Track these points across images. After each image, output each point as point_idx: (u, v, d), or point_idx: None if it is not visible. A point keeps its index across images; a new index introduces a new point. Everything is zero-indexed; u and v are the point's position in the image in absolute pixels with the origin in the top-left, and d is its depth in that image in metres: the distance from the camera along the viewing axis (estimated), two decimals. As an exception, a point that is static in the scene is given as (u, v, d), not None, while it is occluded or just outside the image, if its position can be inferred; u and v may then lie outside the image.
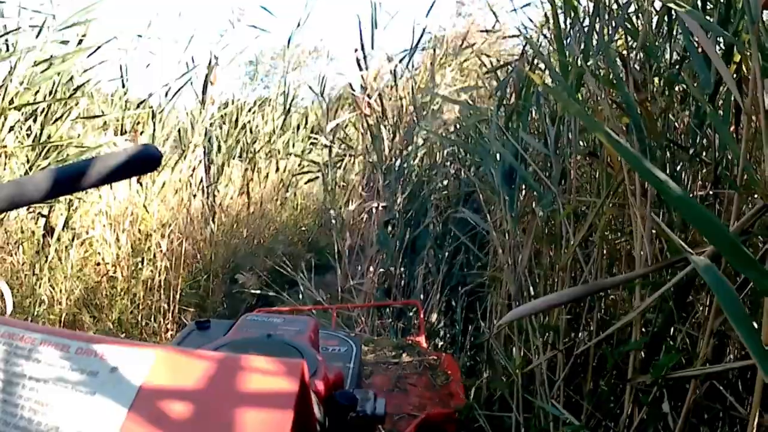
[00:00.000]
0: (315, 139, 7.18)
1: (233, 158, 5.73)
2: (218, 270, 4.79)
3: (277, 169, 6.49)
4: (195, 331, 1.17)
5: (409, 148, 4.02)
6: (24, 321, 0.53)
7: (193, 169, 4.55)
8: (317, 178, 6.42)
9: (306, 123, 7.05)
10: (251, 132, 6.16)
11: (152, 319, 4.00)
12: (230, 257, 5.08)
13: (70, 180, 0.67)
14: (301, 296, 4.27)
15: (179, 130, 4.58)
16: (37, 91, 3.46)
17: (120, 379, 0.46)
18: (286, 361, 0.50)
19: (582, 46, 1.83)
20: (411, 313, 3.54)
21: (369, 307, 3.45)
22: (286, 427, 0.44)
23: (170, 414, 0.45)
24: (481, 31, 4.48)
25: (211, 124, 5.17)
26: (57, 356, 0.48)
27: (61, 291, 3.57)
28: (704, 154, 1.71)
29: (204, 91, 4.87)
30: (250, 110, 6.16)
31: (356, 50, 3.95)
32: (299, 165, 6.71)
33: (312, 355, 0.82)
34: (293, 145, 6.78)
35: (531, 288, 2.14)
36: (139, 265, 4.16)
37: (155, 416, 0.44)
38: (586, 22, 1.95)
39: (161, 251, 4.18)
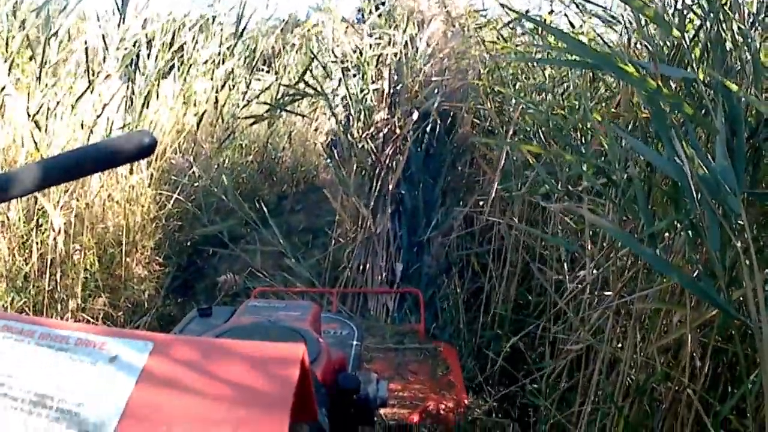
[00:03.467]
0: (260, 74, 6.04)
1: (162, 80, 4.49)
2: (137, 237, 3.72)
3: (216, 101, 5.33)
4: (197, 318, 1.13)
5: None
6: (22, 314, 0.55)
7: (104, 106, 3.37)
8: (264, 119, 5.40)
9: (255, 52, 5.85)
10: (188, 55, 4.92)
11: (44, 311, 2.97)
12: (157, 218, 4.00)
13: (65, 169, 0.66)
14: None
15: (86, 52, 3.35)
16: None
17: (119, 368, 0.46)
18: (286, 345, 0.50)
19: None
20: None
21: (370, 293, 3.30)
22: (286, 412, 0.44)
23: (170, 401, 0.45)
24: None
25: (134, 45, 3.92)
26: (56, 347, 0.47)
27: None
28: None
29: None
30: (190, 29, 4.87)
31: None
32: (243, 97, 5.60)
33: (314, 340, 0.81)
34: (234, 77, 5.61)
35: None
36: (31, 234, 3.07)
37: (155, 404, 0.44)
38: None
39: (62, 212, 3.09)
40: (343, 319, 1.44)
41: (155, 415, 0.44)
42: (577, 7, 2.31)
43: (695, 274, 1.33)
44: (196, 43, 4.85)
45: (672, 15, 1.51)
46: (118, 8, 3.48)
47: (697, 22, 1.55)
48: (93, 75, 3.27)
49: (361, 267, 3.35)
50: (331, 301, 2.81)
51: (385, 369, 1.98)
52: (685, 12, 1.52)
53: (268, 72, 6.22)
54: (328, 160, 4.62)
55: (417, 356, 2.12)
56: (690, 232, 1.29)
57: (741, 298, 1.31)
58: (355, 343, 1.27)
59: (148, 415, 0.43)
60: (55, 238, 3.04)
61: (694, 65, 1.39)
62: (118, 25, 3.52)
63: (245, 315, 1.02)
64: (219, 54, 5.14)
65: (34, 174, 0.65)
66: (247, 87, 5.67)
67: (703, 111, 1.32)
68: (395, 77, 3.57)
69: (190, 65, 4.77)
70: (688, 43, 1.41)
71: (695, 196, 1.18)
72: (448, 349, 2.21)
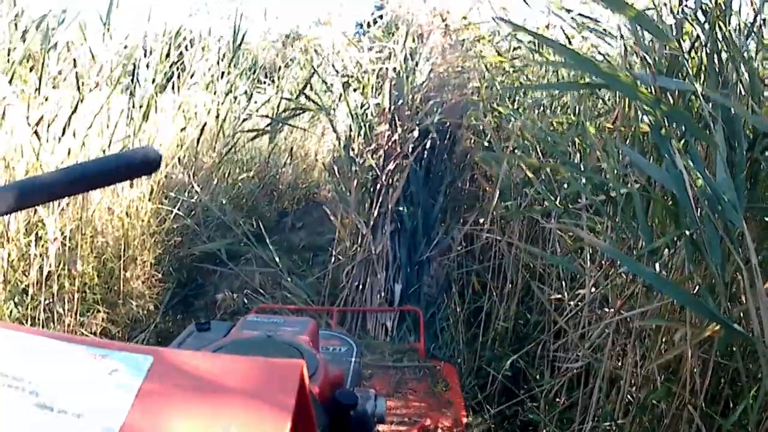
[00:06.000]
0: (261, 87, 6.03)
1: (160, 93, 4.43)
2: (136, 252, 3.69)
3: (217, 114, 5.31)
4: (195, 333, 1.13)
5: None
6: (24, 325, 0.54)
7: (95, 116, 3.34)
8: (265, 133, 5.39)
9: (255, 65, 5.85)
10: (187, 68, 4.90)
11: (41, 325, 2.93)
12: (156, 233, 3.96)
13: (68, 183, 0.66)
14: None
15: (74, 63, 3.34)
16: None
17: (119, 381, 0.46)
18: (285, 361, 0.50)
19: None
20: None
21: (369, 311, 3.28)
22: (285, 428, 0.44)
23: (169, 415, 0.44)
24: None
25: (128, 56, 3.91)
26: (57, 360, 0.48)
27: None
28: None
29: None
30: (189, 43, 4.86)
31: None
32: (245, 110, 5.58)
33: (312, 356, 0.81)
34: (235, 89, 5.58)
35: None
36: (32, 247, 3.04)
37: (154, 417, 0.44)
38: None
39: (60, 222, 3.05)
40: (342, 335, 1.43)
41: (154, 428, 0.44)
42: (574, 21, 2.29)
43: (695, 291, 1.30)
44: (194, 55, 4.84)
45: (669, 26, 1.50)
46: (101, 19, 3.49)
47: (694, 33, 1.54)
48: (83, 86, 3.26)
49: (360, 286, 3.32)
50: (329, 322, 2.78)
51: (384, 387, 1.98)
52: (682, 21, 1.50)
53: (269, 86, 6.22)
54: (329, 176, 4.61)
55: (416, 374, 2.12)
56: (690, 247, 1.27)
57: (741, 314, 1.28)
58: (353, 359, 1.26)
59: (146, 427, 0.43)
60: (47, 255, 3.00)
61: (692, 77, 1.38)
62: (103, 35, 3.51)
63: (243, 330, 1.02)
64: (218, 67, 5.12)
65: (37, 187, 0.65)
66: (248, 100, 5.65)
67: (702, 124, 1.30)
68: (395, 93, 3.56)
69: (190, 76, 4.75)
70: (685, 54, 1.40)
71: (695, 210, 1.16)
72: (448, 367, 2.21)
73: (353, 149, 3.62)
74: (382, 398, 0.85)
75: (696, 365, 1.40)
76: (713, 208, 1.10)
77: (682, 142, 1.30)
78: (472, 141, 3.55)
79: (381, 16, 4.23)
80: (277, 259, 3.64)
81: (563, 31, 2.55)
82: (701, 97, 1.18)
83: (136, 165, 0.69)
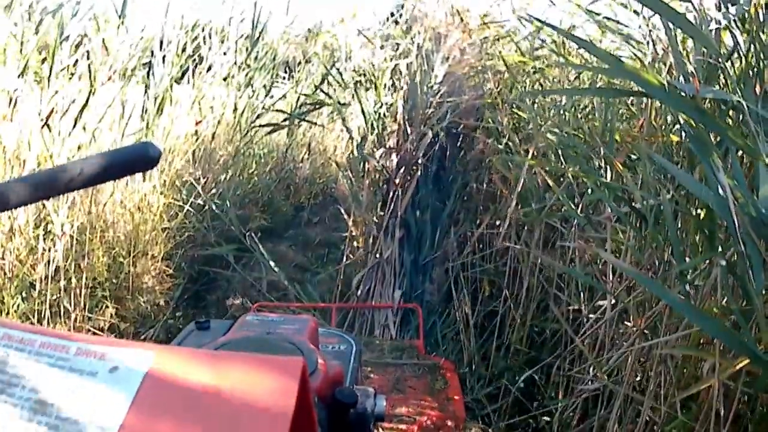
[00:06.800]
0: (281, 81, 5.97)
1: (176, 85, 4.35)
2: (147, 246, 3.64)
3: (235, 109, 5.24)
4: (195, 331, 1.12)
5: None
6: (23, 323, 0.54)
7: (107, 107, 3.29)
8: (282, 128, 5.34)
9: (274, 59, 5.78)
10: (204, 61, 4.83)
11: (47, 322, 2.89)
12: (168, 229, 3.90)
13: (69, 178, 0.66)
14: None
15: (88, 55, 3.30)
16: None
17: (120, 379, 0.46)
18: (286, 359, 0.50)
19: None
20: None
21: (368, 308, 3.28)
22: (285, 426, 0.43)
23: (170, 413, 0.44)
24: None
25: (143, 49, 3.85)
26: (56, 357, 0.47)
27: None
28: None
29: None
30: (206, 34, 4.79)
31: None
32: (262, 105, 5.51)
33: (312, 354, 0.82)
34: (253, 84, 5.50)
35: None
36: (40, 241, 2.99)
37: (155, 416, 0.44)
38: None
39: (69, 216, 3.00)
40: (342, 333, 1.41)
41: (154, 427, 0.43)
42: (599, 26, 2.18)
43: (730, 320, 1.20)
44: (211, 48, 4.78)
45: (709, 31, 1.39)
46: (116, 11, 3.44)
47: (730, 42, 1.43)
48: (94, 80, 3.22)
49: (371, 293, 3.27)
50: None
51: (384, 384, 1.98)
52: (720, 29, 1.40)
53: (288, 81, 6.16)
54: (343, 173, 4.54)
55: (415, 372, 2.11)
56: (725, 270, 1.16)
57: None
58: (353, 357, 1.25)
59: (146, 427, 0.43)
60: (53, 249, 2.95)
61: (732, 87, 1.28)
62: (118, 28, 3.46)
63: (243, 329, 1.01)
64: (235, 61, 5.05)
65: (33, 185, 0.64)
66: (266, 95, 5.58)
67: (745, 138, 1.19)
68: (409, 101, 3.48)
69: (207, 69, 4.69)
70: (723, 63, 1.29)
71: (737, 230, 1.06)
72: (448, 364, 2.20)
73: (365, 148, 3.56)
74: (382, 396, 0.84)
75: (721, 394, 1.29)
76: (756, 228, 0.99)
77: (725, 155, 1.20)
78: (488, 143, 3.45)
79: (400, 8, 4.15)
80: (274, 267, 3.63)
81: (586, 33, 2.45)
82: (744, 106, 1.08)
83: (136, 161, 0.69)
